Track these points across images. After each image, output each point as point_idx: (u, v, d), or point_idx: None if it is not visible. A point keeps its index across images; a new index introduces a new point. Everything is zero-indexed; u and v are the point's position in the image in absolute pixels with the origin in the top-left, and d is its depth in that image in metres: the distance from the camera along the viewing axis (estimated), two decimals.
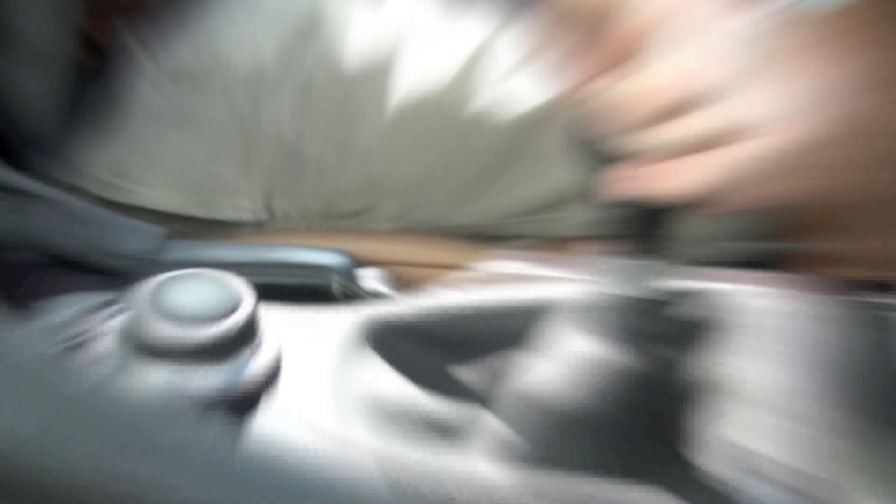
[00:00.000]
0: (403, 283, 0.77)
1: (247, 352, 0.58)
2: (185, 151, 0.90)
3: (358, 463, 0.54)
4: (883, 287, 0.73)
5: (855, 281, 0.80)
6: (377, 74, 0.87)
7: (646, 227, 0.55)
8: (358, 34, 0.88)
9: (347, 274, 0.75)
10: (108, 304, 0.63)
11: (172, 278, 0.60)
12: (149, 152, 0.91)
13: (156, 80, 0.90)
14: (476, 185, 0.91)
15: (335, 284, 0.74)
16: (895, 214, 0.88)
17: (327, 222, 0.91)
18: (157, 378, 0.56)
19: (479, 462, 0.57)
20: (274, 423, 0.57)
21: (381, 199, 0.91)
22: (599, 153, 0.54)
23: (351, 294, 0.75)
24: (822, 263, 0.93)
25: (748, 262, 0.93)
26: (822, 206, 0.87)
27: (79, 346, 0.60)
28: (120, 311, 0.61)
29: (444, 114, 0.90)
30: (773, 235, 0.97)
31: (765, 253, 1.06)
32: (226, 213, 0.91)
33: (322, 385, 0.59)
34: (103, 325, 0.61)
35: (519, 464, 0.56)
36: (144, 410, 0.52)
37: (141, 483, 0.47)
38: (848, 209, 0.88)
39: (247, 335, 0.58)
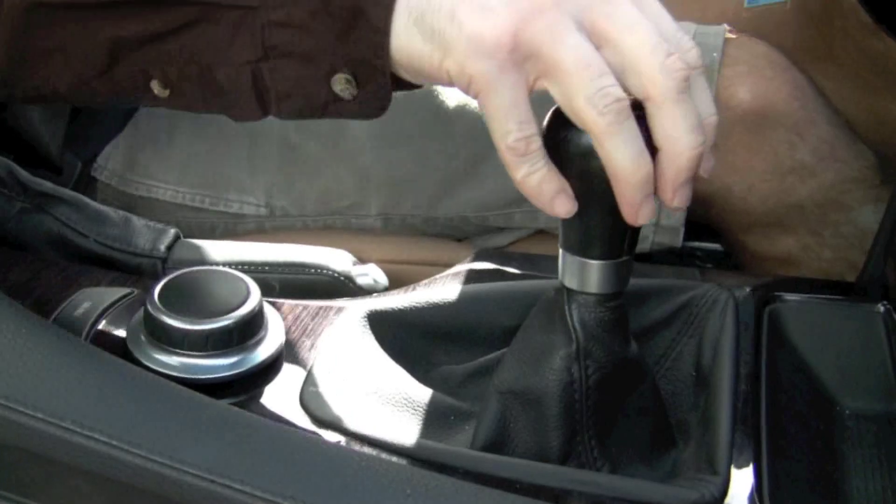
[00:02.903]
0: (397, 279, 0.78)
1: (252, 343, 0.60)
2: (196, 150, 0.93)
3: (355, 448, 0.55)
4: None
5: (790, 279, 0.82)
6: None
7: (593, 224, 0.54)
8: None
9: (346, 271, 0.76)
10: (123, 298, 0.66)
11: (183, 275, 0.62)
12: (162, 151, 0.94)
13: None
14: (460, 177, 0.90)
15: (335, 281, 0.76)
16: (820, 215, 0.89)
17: (321, 218, 0.93)
18: (170, 366, 0.59)
19: (465, 448, 0.58)
20: (277, 410, 0.58)
21: (370, 192, 0.91)
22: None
23: (349, 289, 0.76)
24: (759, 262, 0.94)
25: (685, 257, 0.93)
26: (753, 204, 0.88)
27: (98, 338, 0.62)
28: (136, 305, 0.64)
29: (427, 107, 0.90)
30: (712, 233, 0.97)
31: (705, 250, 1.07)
32: (232, 207, 0.94)
33: (323, 373, 0.60)
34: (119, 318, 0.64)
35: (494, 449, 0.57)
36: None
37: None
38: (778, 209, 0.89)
39: (252, 328, 0.60)
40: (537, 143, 0.51)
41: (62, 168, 0.91)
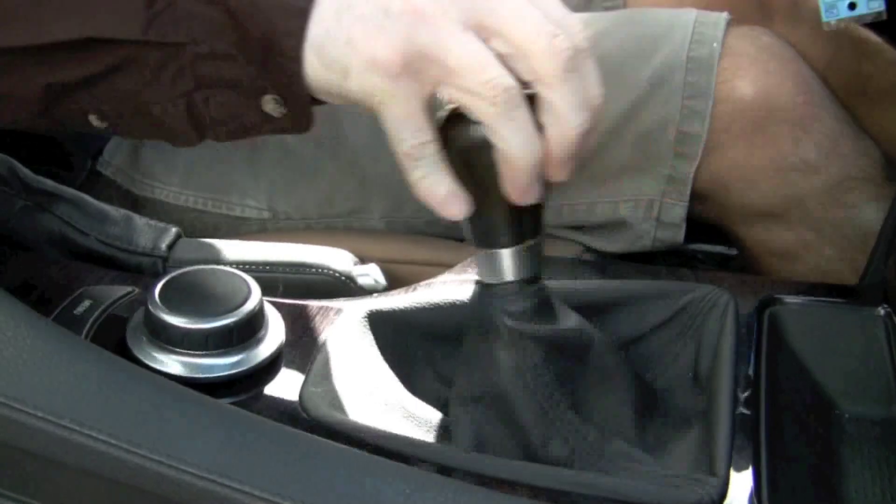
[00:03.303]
0: (397, 279, 0.78)
1: (252, 342, 0.61)
2: (200, 154, 0.93)
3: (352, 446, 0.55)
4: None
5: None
6: None
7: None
8: None
9: (346, 271, 0.76)
10: (124, 296, 0.66)
11: (184, 274, 0.62)
12: (166, 152, 0.94)
13: None
14: None
15: (335, 280, 0.76)
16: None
17: (324, 220, 0.93)
18: (171, 365, 0.59)
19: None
20: (276, 410, 0.58)
21: (372, 197, 0.92)
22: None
23: (349, 289, 0.76)
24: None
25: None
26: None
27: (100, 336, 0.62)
28: (136, 304, 0.64)
29: None
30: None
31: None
32: (234, 210, 0.94)
33: (322, 373, 0.60)
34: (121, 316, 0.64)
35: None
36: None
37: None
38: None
39: (252, 327, 0.61)
40: (431, 148, 0.54)
41: (73, 164, 0.91)
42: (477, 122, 0.53)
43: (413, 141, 0.53)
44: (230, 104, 0.57)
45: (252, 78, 0.55)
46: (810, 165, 0.87)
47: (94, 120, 0.59)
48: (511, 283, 0.57)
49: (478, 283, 0.59)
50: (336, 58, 0.53)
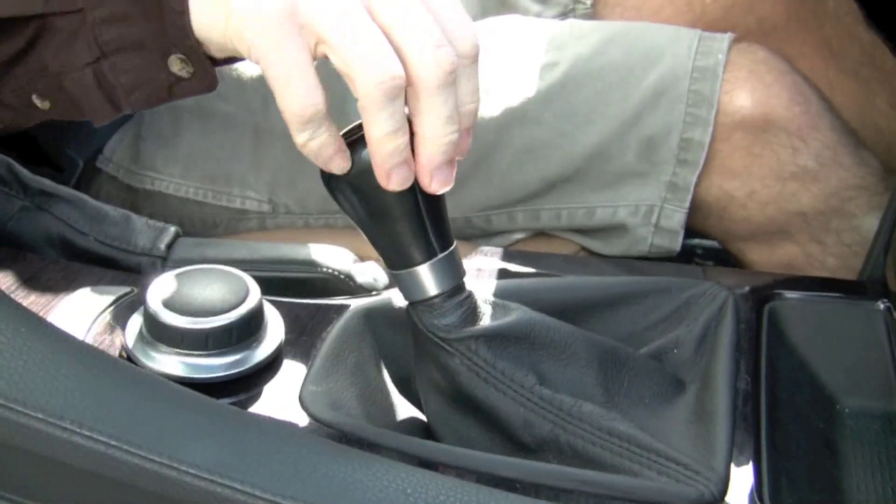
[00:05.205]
0: None
1: (251, 342, 0.61)
2: (201, 145, 0.93)
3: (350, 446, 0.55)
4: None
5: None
6: None
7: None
8: None
9: (346, 269, 0.76)
10: (123, 297, 0.66)
11: (183, 273, 0.62)
12: (167, 144, 0.94)
13: None
14: (462, 178, 0.88)
15: (335, 279, 0.75)
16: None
17: (324, 217, 0.93)
18: (170, 365, 0.59)
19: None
20: (276, 409, 0.59)
21: None
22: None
23: (349, 288, 0.75)
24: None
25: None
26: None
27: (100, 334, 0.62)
28: (135, 304, 0.64)
29: None
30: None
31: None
32: (234, 202, 0.94)
33: (322, 372, 0.60)
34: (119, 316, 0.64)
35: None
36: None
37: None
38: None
39: (252, 326, 0.61)
40: (322, 109, 0.53)
41: (63, 166, 0.91)
42: None
43: (306, 100, 0.52)
44: (139, 68, 0.57)
45: (154, 37, 0.55)
46: (810, 174, 0.88)
47: (37, 100, 0.60)
48: (436, 296, 0.57)
49: (407, 305, 0.59)
50: (218, 5, 0.53)
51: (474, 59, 0.54)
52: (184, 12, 0.53)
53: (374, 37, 0.51)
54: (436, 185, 0.54)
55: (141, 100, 0.58)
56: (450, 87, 0.52)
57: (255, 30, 0.51)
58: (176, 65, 0.56)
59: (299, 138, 0.54)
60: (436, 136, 0.53)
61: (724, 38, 0.89)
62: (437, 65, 0.51)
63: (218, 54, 0.56)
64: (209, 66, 0.57)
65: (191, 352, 0.59)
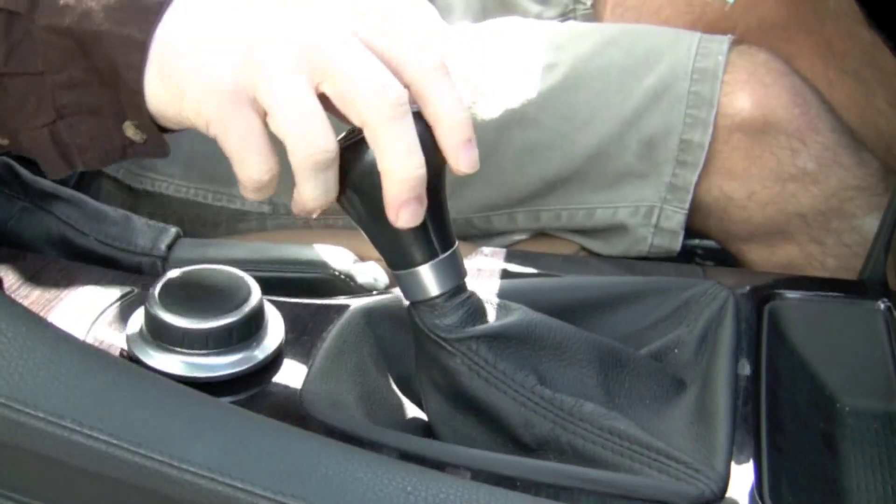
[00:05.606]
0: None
1: (252, 341, 0.61)
2: (202, 146, 0.93)
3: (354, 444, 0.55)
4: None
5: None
6: None
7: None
8: None
9: (346, 269, 0.76)
10: (124, 296, 0.66)
11: (184, 273, 0.62)
12: (170, 144, 0.94)
13: None
14: (463, 178, 0.89)
15: (335, 279, 0.76)
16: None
17: (324, 217, 0.91)
18: (171, 365, 0.59)
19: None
20: (277, 408, 0.59)
21: None
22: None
23: (349, 288, 0.76)
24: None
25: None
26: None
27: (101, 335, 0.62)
28: (136, 304, 0.64)
29: None
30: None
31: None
32: (235, 203, 0.94)
33: (323, 372, 0.60)
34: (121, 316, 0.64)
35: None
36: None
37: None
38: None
39: (252, 326, 0.61)
40: (275, 174, 0.55)
41: None
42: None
43: (262, 167, 0.54)
44: (94, 130, 0.58)
45: (111, 104, 0.56)
46: (809, 176, 0.88)
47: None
48: (437, 296, 0.57)
49: (409, 305, 0.59)
50: (173, 86, 0.54)
51: (443, 70, 0.54)
52: (139, 92, 0.55)
53: (306, 109, 0.52)
54: (402, 221, 0.54)
55: (95, 159, 0.59)
56: (402, 120, 0.52)
57: (209, 108, 0.53)
58: (130, 130, 0.58)
59: (254, 198, 0.57)
60: (395, 171, 0.52)
61: (724, 40, 0.89)
62: (383, 102, 0.51)
63: (173, 126, 0.58)
64: (161, 138, 0.58)
65: (191, 351, 0.59)
